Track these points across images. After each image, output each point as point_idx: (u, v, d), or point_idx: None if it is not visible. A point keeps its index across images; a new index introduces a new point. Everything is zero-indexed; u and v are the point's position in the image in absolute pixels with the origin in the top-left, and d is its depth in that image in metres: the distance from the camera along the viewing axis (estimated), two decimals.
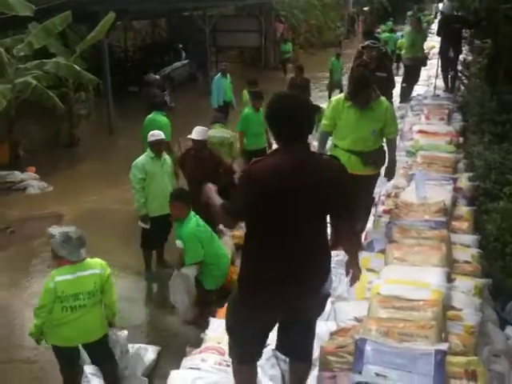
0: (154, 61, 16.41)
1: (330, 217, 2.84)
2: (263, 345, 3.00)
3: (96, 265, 3.71)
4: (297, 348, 2.97)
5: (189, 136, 5.94)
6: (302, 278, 2.66)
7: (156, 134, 5.68)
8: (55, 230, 3.67)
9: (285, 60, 20.60)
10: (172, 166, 5.99)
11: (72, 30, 12.58)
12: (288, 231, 2.61)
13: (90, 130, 12.12)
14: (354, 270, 3.01)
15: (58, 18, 10.20)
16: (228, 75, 11.41)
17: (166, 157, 5.85)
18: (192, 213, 4.90)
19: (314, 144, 5.56)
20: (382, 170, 5.09)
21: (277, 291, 2.65)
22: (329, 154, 4.90)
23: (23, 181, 8.78)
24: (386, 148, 4.93)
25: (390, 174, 5.04)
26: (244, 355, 2.94)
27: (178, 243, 4.85)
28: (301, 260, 2.65)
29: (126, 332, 4.23)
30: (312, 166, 2.61)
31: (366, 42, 8.18)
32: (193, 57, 17.89)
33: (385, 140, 4.86)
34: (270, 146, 8.01)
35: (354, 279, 3.06)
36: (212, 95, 11.25)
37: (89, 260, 3.70)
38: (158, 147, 5.65)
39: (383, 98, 4.73)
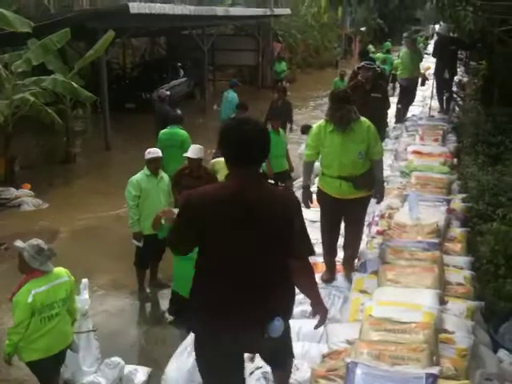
0: (152, 78, 16.50)
1: (284, 256, 2.59)
2: (238, 372, 2.79)
3: (63, 273, 3.82)
4: (271, 361, 2.95)
5: (184, 154, 5.97)
6: (244, 313, 2.51)
7: (153, 152, 5.64)
8: (21, 244, 3.73)
9: (279, 80, 19.78)
10: (169, 185, 5.92)
11: (71, 46, 12.69)
12: (232, 263, 2.49)
13: (87, 147, 12.15)
14: (320, 311, 2.82)
15: (57, 35, 10.28)
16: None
17: (164, 175, 5.80)
18: None
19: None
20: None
21: (226, 326, 2.51)
22: (316, 184, 4.89)
23: (18, 197, 8.74)
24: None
25: (379, 196, 4.89)
26: None
27: None
28: (244, 295, 2.51)
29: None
30: (256, 195, 2.47)
31: (362, 63, 8.22)
32: (191, 74, 18.00)
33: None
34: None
35: (322, 321, 2.86)
36: (222, 109, 11.26)
37: (55, 269, 3.78)
38: (154, 165, 5.60)
39: (363, 119, 4.59)
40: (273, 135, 7.71)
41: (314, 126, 4.79)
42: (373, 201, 5.11)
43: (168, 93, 10.89)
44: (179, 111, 8.85)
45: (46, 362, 3.74)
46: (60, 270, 3.84)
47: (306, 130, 9.88)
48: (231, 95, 11.22)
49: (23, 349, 3.66)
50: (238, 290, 2.51)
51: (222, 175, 6.78)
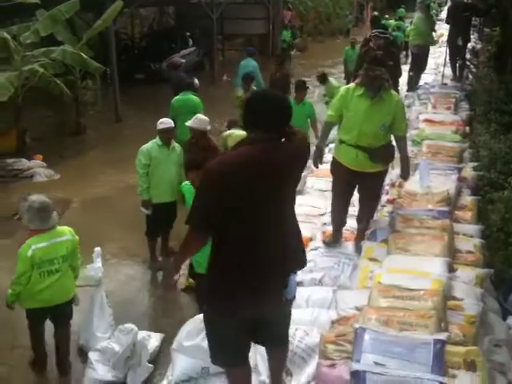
0: (161, 48, 16.38)
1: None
2: (248, 346, 2.88)
3: (66, 231, 4.03)
4: (275, 336, 2.92)
5: (187, 123, 5.99)
6: (270, 280, 2.58)
7: (165, 122, 5.62)
8: (28, 198, 3.94)
9: (283, 50, 19.40)
10: (181, 155, 5.81)
11: (79, 17, 12.57)
12: (260, 233, 2.52)
13: (97, 118, 12.14)
14: None
15: (66, 6, 10.19)
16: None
17: (176, 145, 5.77)
18: None
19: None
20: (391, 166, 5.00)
21: (248, 296, 2.53)
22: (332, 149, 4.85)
23: (30, 168, 8.82)
24: (394, 143, 4.68)
25: (405, 174, 4.79)
26: (232, 360, 2.83)
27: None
28: (268, 257, 2.56)
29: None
30: (282, 154, 2.56)
31: (374, 31, 8.07)
32: (200, 44, 17.83)
33: (393, 137, 4.62)
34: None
35: None
36: (237, 75, 10.66)
37: (59, 228, 4.00)
38: (166, 135, 5.58)
39: (394, 92, 4.52)
40: (292, 105, 7.67)
41: (342, 88, 4.71)
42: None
43: (183, 60, 10.76)
44: (195, 79, 8.86)
45: (43, 312, 4.06)
46: (63, 228, 4.05)
47: (322, 79, 9.69)
48: (252, 64, 10.83)
49: (25, 299, 3.98)
50: (263, 254, 2.54)
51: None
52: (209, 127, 6.11)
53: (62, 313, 4.16)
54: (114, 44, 11.82)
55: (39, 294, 3.93)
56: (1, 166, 8.73)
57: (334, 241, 4.76)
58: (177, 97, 7.72)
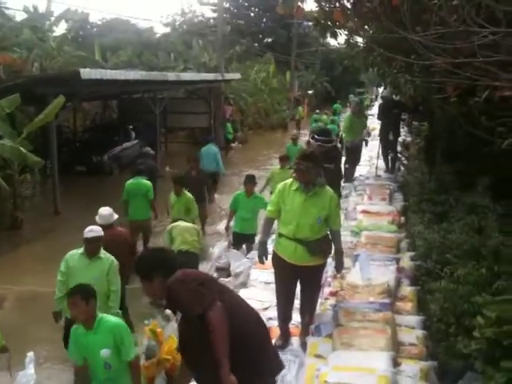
0: (103, 141, 16.49)
1: None
2: None
3: None
4: None
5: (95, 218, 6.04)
6: None
7: (94, 230, 5.13)
8: None
9: (227, 141, 20.86)
10: (112, 270, 5.18)
11: (20, 110, 12.58)
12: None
13: (35, 212, 11.83)
14: None
15: (7, 101, 10.23)
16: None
17: (105, 258, 5.18)
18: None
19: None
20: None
21: None
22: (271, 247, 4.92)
23: None
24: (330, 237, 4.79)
25: (339, 267, 4.90)
26: None
27: (105, 352, 3.85)
28: None
29: None
30: None
31: (318, 138, 7.57)
32: (142, 137, 18.11)
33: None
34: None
35: None
36: (205, 163, 11.74)
37: None
38: (90, 245, 5.09)
39: (328, 188, 4.67)
40: (242, 198, 7.85)
41: (280, 183, 4.82)
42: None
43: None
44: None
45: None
46: None
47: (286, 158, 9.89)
48: (213, 149, 12.31)
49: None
50: None
51: (177, 242, 6.80)
52: (115, 217, 6.18)
53: None
54: (55, 138, 11.81)
55: None
56: None
57: (284, 341, 4.65)
58: (130, 181, 8.60)
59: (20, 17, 20.08)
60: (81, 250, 5.21)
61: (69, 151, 16.16)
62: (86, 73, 10.85)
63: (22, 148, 10.11)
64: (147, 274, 3.11)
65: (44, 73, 16.24)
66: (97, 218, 6.14)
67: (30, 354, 5.12)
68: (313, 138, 8.18)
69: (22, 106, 11.56)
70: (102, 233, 5.19)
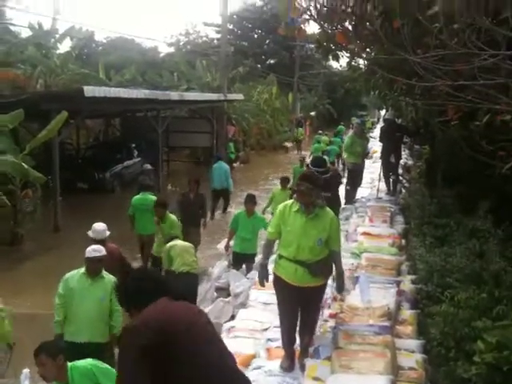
0: (106, 159, 16.55)
1: None
2: None
3: None
4: None
5: (88, 232, 6.07)
6: None
7: (97, 250, 5.03)
8: None
9: (230, 161, 20.46)
10: (110, 291, 4.96)
11: (23, 126, 12.66)
12: None
13: (35, 228, 11.81)
14: None
15: (10, 116, 10.30)
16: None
17: (106, 278, 5.10)
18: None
19: None
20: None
21: None
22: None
23: None
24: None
25: (340, 287, 4.89)
26: None
27: None
28: None
29: None
30: None
31: (314, 169, 7.14)
32: (145, 155, 18.19)
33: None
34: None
35: None
36: (215, 179, 13.06)
37: None
38: (93, 266, 4.98)
39: (329, 209, 4.67)
40: (243, 217, 7.85)
41: (281, 204, 4.80)
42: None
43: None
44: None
45: None
46: None
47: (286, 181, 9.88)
48: (223, 166, 13.32)
49: None
50: None
51: (177, 263, 6.77)
52: (107, 233, 6.17)
53: None
54: (57, 154, 11.87)
55: None
56: None
57: (290, 363, 4.56)
58: (137, 196, 8.92)
59: (25, 34, 20.35)
60: (81, 270, 5.08)
61: (71, 168, 16.20)
62: (90, 90, 10.94)
63: (24, 164, 10.14)
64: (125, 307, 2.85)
65: (48, 89, 16.39)
66: (90, 232, 6.12)
67: (26, 371, 5.07)
68: (307, 166, 8.15)
69: (26, 122, 11.64)
70: (104, 252, 5.11)
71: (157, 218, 7.87)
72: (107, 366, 3.74)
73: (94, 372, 3.68)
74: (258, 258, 6.97)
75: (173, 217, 7.93)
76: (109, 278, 5.13)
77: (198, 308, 3.07)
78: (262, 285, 4.87)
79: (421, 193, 9.68)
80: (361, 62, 6.82)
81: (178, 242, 7.13)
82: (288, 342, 4.65)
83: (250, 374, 4.41)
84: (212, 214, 12.76)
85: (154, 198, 8.69)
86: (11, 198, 10.40)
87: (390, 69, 4.89)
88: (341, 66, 28.66)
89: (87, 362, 3.79)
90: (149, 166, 12.70)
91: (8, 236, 10.79)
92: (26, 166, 10.11)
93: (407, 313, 5.19)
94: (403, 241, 7.76)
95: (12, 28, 20.49)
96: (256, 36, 43.91)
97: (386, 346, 4.20)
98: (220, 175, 13.05)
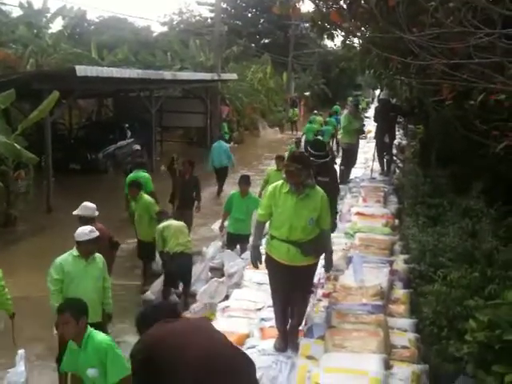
0: (98, 139, 16.42)
1: None
2: None
3: None
4: None
5: (74, 212, 6.09)
6: None
7: (88, 232, 4.97)
8: None
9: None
10: (103, 268, 5.16)
11: (15, 106, 12.52)
12: None
13: (28, 209, 11.76)
14: None
15: (2, 97, 10.17)
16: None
17: (97, 257, 5.11)
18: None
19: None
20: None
21: None
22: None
23: None
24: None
25: (328, 265, 4.89)
26: None
27: (91, 372, 3.70)
28: None
29: None
30: None
31: (313, 153, 6.81)
32: (138, 136, 18.06)
33: None
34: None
35: None
36: (215, 158, 13.49)
37: None
38: (87, 247, 4.95)
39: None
40: (237, 198, 7.85)
41: (270, 186, 4.78)
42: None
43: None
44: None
45: None
46: None
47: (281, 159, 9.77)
48: (223, 145, 13.89)
49: None
50: None
51: (171, 243, 6.77)
52: (96, 213, 6.14)
53: None
54: (49, 134, 11.76)
55: None
56: None
57: (283, 343, 4.57)
58: (131, 174, 9.05)
59: (16, 13, 20.03)
60: (73, 252, 5.03)
61: (63, 148, 16.07)
62: (82, 70, 10.81)
63: (16, 144, 10.05)
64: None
65: (40, 69, 16.18)
66: (78, 210, 6.07)
67: (21, 352, 5.10)
68: (306, 150, 7.96)
69: (17, 102, 11.50)
70: (97, 233, 5.08)
71: (130, 197, 7.85)
72: (120, 352, 3.70)
73: (106, 352, 3.66)
74: (251, 241, 6.97)
75: (147, 198, 7.79)
76: (98, 256, 5.14)
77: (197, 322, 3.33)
78: (256, 266, 4.89)
79: (415, 173, 9.69)
80: (355, 40, 6.76)
81: (173, 222, 7.12)
82: (281, 321, 4.68)
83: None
84: (220, 190, 13.54)
85: (145, 174, 8.92)
86: (4, 179, 10.33)
87: (385, 47, 4.85)
88: (335, 45, 28.42)
89: (105, 339, 3.77)
90: (137, 147, 12.63)
91: (1, 217, 10.74)
92: (18, 147, 10.02)
93: (400, 292, 5.23)
94: (396, 221, 7.80)
95: (2, 7, 20.13)
96: (250, 15, 43.37)
97: (379, 325, 4.24)
98: (220, 154, 13.50)
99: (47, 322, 6.39)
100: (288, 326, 4.69)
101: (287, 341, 4.62)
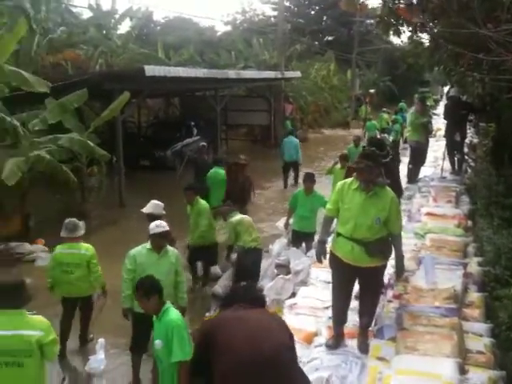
0: (166, 137, 16.83)
1: None
2: None
3: (83, 247, 5.93)
4: None
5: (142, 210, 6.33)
6: None
7: (160, 226, 5.14)
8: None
9: None
10: (177, 262, 5.29)
11: (87, 105, 13.05)
12: None
13: (101, 203, 12.22)
14: None
15: (75, 96, 10.60)
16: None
17: (170, 251, 5.26)
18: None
19: None
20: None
21: None
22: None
23: (32, 253, 8.81)
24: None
25: (400, 272, 4.79)
26: None
27: (157, 343, 3.86)
28: None
29: None
30: None
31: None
32: (204, 133, 18.39)
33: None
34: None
35: None
36: (285, 151, 14.19)
37: (81, 243, 5.93)
38: (158, 241, 5.12)
39: (389, 189, 4.56)
40: (301, 196, 7.84)
41: (340, 182, 4.76)
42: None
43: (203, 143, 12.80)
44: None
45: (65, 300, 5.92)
46: (83, 245, 5.95)
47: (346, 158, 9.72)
48: (293, 140, 14.40)
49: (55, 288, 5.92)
50: None
51: (245, 238, 6.87)
52: (164, 212, 6.37)
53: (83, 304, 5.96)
54: (120, 132, 12.18)
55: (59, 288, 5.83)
56: (4, 250, 8.70)
57: (336, 342, 4.56)
58: (212, 170, 9.56)
59: (86, 15, 20.81)
60: (147, 245, 5.20)
61: (133, 146, 16.59)
62: (150, 70, 11.12)
63: (89, 142, 10.47)
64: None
65: (110, 69, 16.75)
66: (148, 207, 6.34)
67: (101, 341, 5.36)
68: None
69: (89, 101, 11.97)
70: (167, 227, 5.22)
71: (186, 201, 7.60)
72: (186, 336, 3.79)
73: (173, 330, 3.76)
74: (317, 237, 6.93)
75: (202, 203, 7.62)
76: (172, 250, 5.30)
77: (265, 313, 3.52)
78: (320, 261, 4.86)
79: (487, 172, 9.34)
80: (424, 36, 6.59)
81: (244, 217, 7.20)
82: (338, 321, 4.64)
83: (313, 351, 4.45)
84: (285, 184, 14.31)
85: (222, 171, 9.31)
86: (78, 175, 10.76)
87: (456, 43, 4.70)
88: (402, 41, 27.71)
89: (177, 318, 3.88)
90: (203, 143, 12.72)
91: (75, 211, 11.20)
92: (91, 144, 10.43)
93: (474, 295, 5.05)
94: (469, 222, 7.52)
95: (73, 9, 20.95)
96: (313, 13, 43.09)
97: (453, 329, 4.12)
98: (290, 149, 14.16)
99: (116, 313, 6.64)
100: (359, 325, 4.65)
101: (340, 340, 4.58)
